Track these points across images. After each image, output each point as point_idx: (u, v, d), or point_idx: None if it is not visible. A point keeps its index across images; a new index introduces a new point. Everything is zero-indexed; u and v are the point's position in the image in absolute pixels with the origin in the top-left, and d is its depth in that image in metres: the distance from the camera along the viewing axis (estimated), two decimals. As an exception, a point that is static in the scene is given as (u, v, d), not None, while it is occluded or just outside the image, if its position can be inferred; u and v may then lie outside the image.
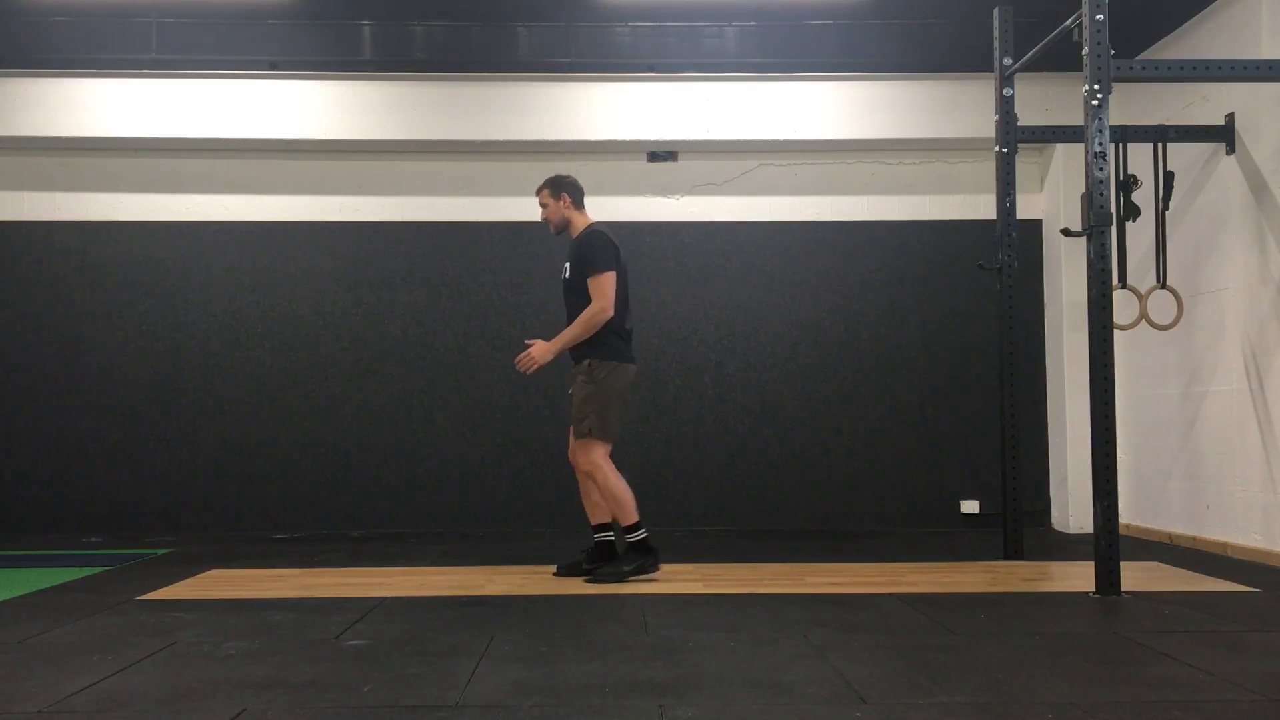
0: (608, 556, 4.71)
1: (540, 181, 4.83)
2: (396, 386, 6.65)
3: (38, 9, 5.99)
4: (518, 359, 4.60)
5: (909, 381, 6.69)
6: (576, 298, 4.61)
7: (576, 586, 4.48)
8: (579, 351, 4.60)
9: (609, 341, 4.56)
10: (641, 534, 4.57)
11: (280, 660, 3.17)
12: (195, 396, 6.61)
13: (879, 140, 6.57)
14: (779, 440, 6.65)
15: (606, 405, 4.53)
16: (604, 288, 4.50)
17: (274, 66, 6.38)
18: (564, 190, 4.74)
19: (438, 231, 6.71)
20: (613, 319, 4.55)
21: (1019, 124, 5.31)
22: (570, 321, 4.63)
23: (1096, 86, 4.23)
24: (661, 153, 6.73)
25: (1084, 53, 4.28)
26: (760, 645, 3.34)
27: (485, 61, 6.40)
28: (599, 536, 4.72)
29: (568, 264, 4.70)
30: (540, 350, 4.58)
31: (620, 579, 4.51)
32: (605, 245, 4.58)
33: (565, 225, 4.76)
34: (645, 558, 4.58)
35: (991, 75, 5.34)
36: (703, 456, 6.62)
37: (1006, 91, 5.26)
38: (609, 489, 4.54)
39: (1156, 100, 5.84)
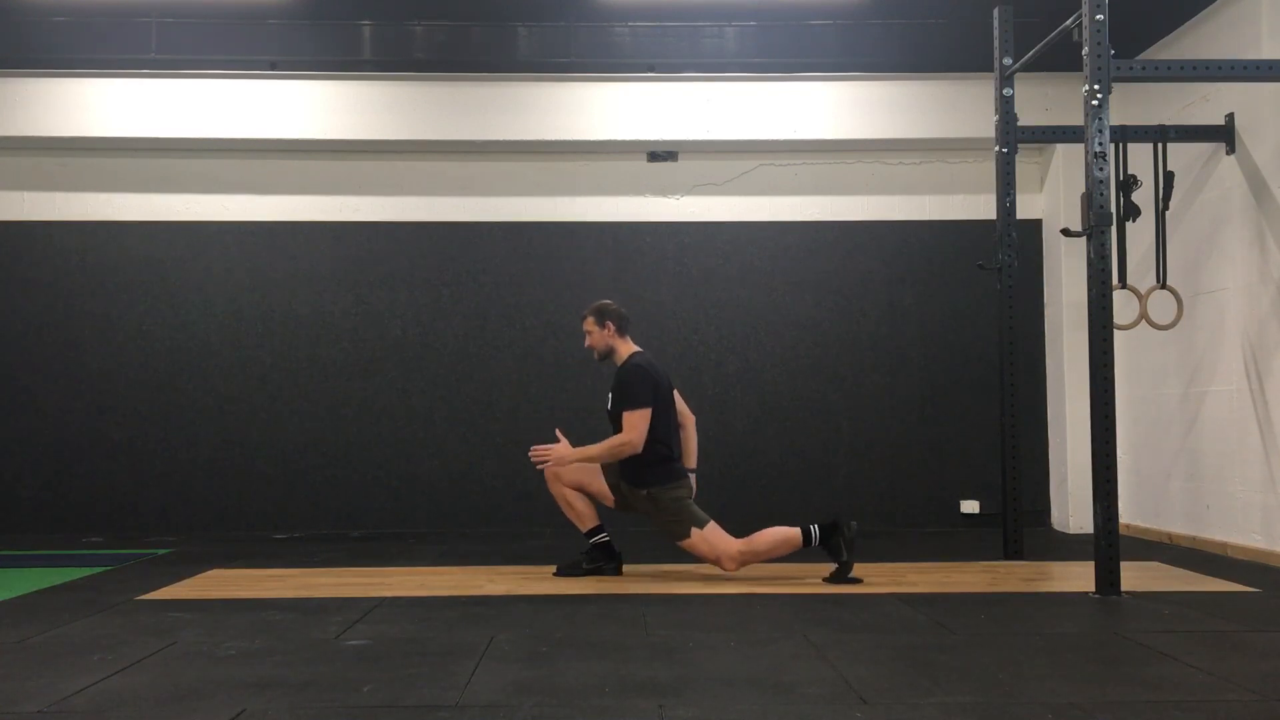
0: (609, 555, 4.74)
1: (588, 309, 4.81)
2: (396, 386, 6.65)
3: (38, 9, 6.00)
4: (537, 450, 4.57)
5: (909, 381, 6.69)
6: (617, 428, 4.63)
7: (577, 586, 4.48)
8: (639, 479, 4.63)
9: (662, 469, 4.61)
10: (816, 531, 4.56)
11: (280, 660, 3.17)
12: (195, 396, 6.61)
13: (879, 140, 6.57)
14: (779, 440, 6.65)
15: (688, 510, 4.60)
16: (636, 423, 4.53)
17: (274, 66, 6.38)
18: (608, 319, 4.75)
19: (438, 231, 6.71)
20: (661, 448, 4.59)
21: (1019, 124, 5.31)
22: None
23: (1096, 86, 4.23)
24: (661, 153, 6.73)
25: (1084, 53, 4.28)
26: (760, 645, 3.34)
27: (485, 61, 6.40)
28: (594, 540, 4.74)
29: (610, 393, 4.71)
30: (562, 452, 4.57)
31: (848, 571, 4.52)
32: (643, 380, 4.60)
33: (609, 353, 4.77)
34: (835, 536, 4.55)
35: (991, 75, 5.35)
36: (703, 457, 6.53)
37: (1006, 91, 5.26)
38: (770, 546, 4.57)
39: (1156, 100, 5.84)
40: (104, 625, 3.72)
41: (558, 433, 4.68)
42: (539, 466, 4.61)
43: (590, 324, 4.78)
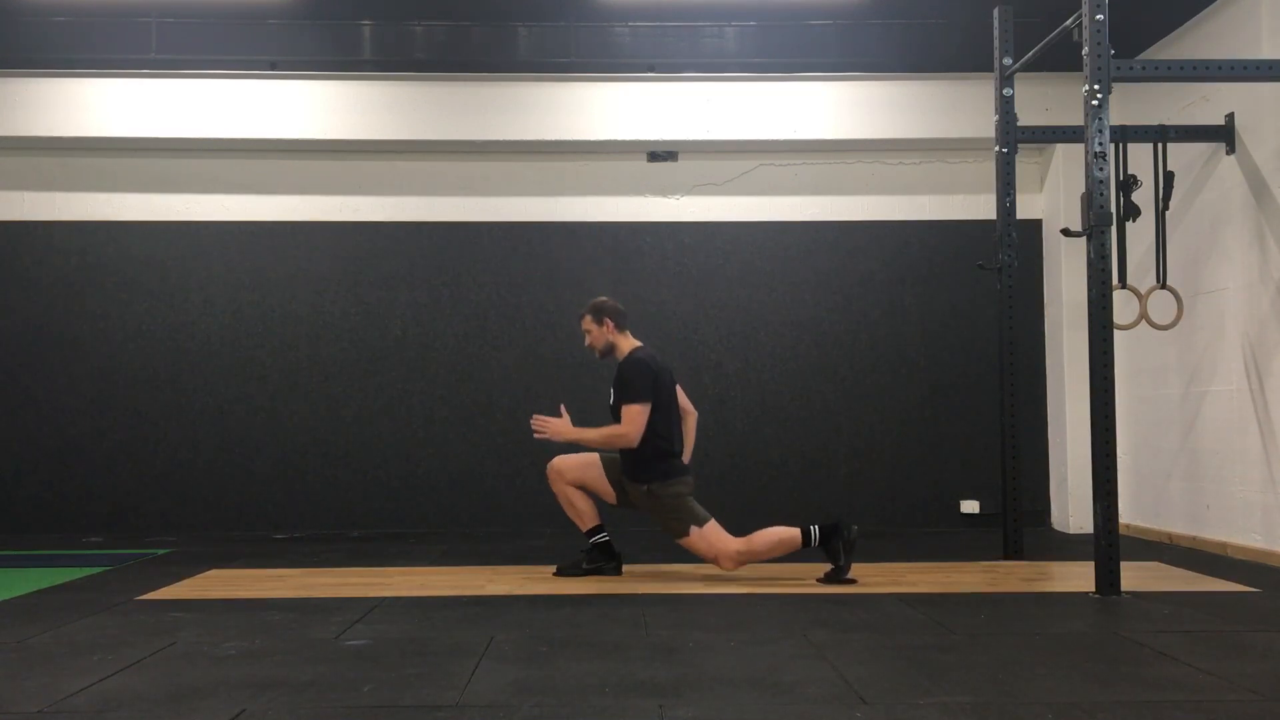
0: (609, 555, 4.75)
1: (585, 308, 4.82)
2: (396, 386, 6.65)
3: (38, 9, 6.00)
4: (538, 420, 4.60)
5: (909, 381, 6.69)
6: (618, 422, 4.64)
7: (577, 586, 4.48)
8: (638, 474, 4.62)
9: (662, 465, 4.61)
10: (816, 532, 4.54)
11: (280, 660, 3.17)
12: (195, 396, 6.61)
13: (879, 140, 6.57)
14: (779, 440, 6.65)
15: (687, 507, 4.59)
16: (634, 417, 4.54)
17: (274, 66, 6.38)
18: (606, 315, 4.75)
19: (438, 231, 6.71)
20: (661, 443, 4.60)
21: (1019, 124, 5.31)
22: None
23: (1096, 86, 4.23)
24: (661, 153, 6.73)
25: (1084, 53, 4.28)
26: (760, 645, 3.34)
27: (485, 61, 6.40)
28: (594, 540, 4.75)
29: (612, 388, 4.71)
30: (561, 429, 4.61)
31: (843, 574, 4.52)
32: (643, 374, 4.60)
33: (610, 350, 4.78)
34: (835, 539, 4.53)
35: (991, 75, 5.35)
36: (703, 456, 6.59)
37: (1006, 91, 5.26)
38: (769, 546, 4.56)
39: (1156, 100, 5.84)
40: (104, 625, 3.72)
41: (561, 408, 4.70)
42: (537, 436, 4.62)
43: (588, 322, 4.79)
